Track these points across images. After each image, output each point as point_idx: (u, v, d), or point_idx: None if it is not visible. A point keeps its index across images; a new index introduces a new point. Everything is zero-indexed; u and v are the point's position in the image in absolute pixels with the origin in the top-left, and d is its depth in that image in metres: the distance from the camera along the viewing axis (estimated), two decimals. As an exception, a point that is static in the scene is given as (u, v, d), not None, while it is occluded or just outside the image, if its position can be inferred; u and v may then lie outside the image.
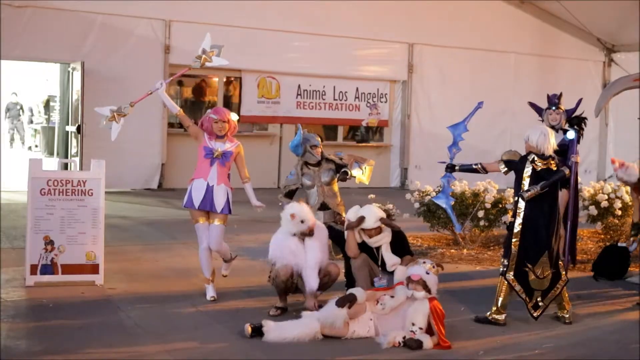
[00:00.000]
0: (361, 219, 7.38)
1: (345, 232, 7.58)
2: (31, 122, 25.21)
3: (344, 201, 8.88)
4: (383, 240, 7.43)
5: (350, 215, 7.54)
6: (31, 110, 25.20)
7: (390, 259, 7.35)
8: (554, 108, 9.33)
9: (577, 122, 9.14)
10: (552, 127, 9.22)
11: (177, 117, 7.98)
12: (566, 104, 9.58)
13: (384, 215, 7.54)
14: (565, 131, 8.89)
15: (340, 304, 6.56)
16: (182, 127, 7.95)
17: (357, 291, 6.75)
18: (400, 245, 7.52)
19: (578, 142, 9.03)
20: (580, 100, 9.53)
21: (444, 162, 7.90)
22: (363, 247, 7.52)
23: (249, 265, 9.19)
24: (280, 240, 7.34)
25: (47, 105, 23.88)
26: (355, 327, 6.63)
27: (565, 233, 8.98)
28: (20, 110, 25.63)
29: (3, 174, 14.77)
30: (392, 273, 7.33)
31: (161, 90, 7.76)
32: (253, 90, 16.81)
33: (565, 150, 8.71)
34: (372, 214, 7.41)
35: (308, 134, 8.49)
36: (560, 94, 9.41)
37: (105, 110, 7.71)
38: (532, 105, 9.74)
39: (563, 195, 8.77)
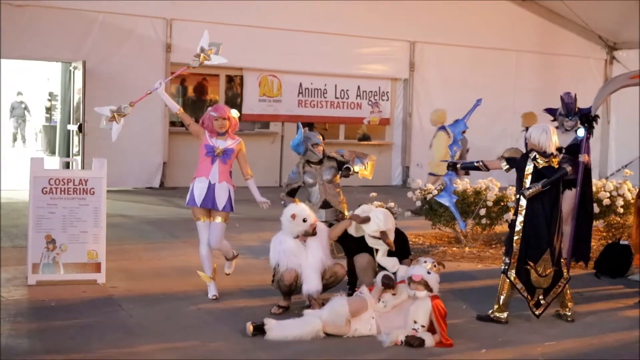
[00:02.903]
0: (365, 220, 7.35)
1: (348, 216, 7.57)
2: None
3: (346, 199, 8.87)
4: (382, 247, 7.40)
5: (362, 209, 7.52)
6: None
7: (388, 262, 7.30)
8: (571, 117, 9.19)
9: (586, 120, 9.10)
10: (566, 130, 9.18)
11: (178, 116, 7.97)
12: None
13: (390, 227, 7.43)
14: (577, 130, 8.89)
15: (391, 285, 6.66)
16: (184, 126, 7.94)
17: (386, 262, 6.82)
18: (400, 247, 7.49)
19: (587, 140, 9.01)
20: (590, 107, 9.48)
21: (446, 161, 7.89)
22: (364, 247, 7.49)
23: (251, 264, 9.18)
24: (281, 242, 7.31)
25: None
26: (357, 326, 6.62)
27: (570, 232, 9.01)
28: (26, 110, 25.69)
29: (5, 172, 14.80)
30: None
31: (160, 90, 7.75)
32: (254, 89, 16.82)
33: (577, 149, 8.71)
34: (376, 222, 7.32)
35: (309, 132, 8.49)
36: (575, 98, 9.24)
37: (105, 110, 7.70)
38: (547, 111, 9.62)
39: (570, 195, 8.79)
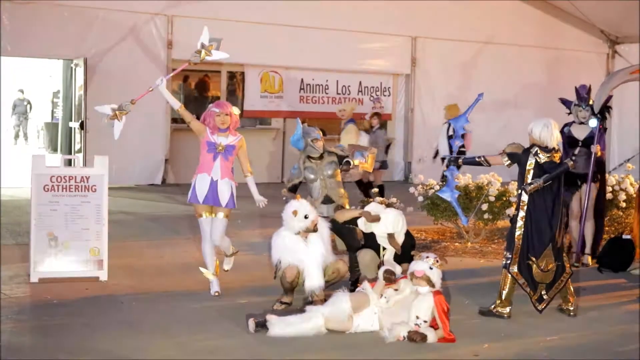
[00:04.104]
0: (376, 219, 7.30)
1: (359, 209, 7.56)
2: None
3: (347, 194, 8.86)
4: (390, 247, 7.37)
5: (372, 208, 7.50)
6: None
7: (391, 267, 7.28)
8: (584, 106, 9.24)
9: (600, 111, 9.11)
10: (581, 122, 9.23)
11: (179, 113, 7.95)
12: (570, 97, 9.57)
13: (398, 230, 7.36)
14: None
15: (392, 280, 6.65)
16: (186, 123, 7.93)
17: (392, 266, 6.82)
18: (404, 250, 7.46)
19: (600, 131, 9.05)
20: (610, 97, 9.50)
21: (447, 156, 7.87)
22: (370, 241, 7.47)
23: (253, 260, 9.18)
24: (283, 239, 7.30)
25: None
26: (360, 321, 6.62)
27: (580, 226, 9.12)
28: (27, 107, 25.71)
29: (8, 170, 14.82)
30: None
31: (162, 87, 7.73)
32: (256, 85, 16.81)
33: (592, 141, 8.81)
34: (385, 224, 7.27)
35: (308, 128, 8.46)
36: (589, 89, 9.30)
37: (106, 109, 7.67)
38: (562, 100, 9.67)
39: (591, 189, 8.92)
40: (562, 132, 9.30)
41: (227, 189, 7.64)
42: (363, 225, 7.49)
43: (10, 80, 23.04)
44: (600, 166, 9.33)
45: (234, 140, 7.69)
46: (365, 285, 6.88)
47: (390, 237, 7.22)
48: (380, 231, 7.26)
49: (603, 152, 9.19)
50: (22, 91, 25.42)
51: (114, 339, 6.35)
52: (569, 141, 9.30)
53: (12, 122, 25.73)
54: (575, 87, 9.39)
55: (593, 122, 8.82)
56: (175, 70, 8.59)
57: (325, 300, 6.93)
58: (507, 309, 7.21)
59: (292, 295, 7.36)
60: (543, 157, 7.15)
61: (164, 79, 7.80)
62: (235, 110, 7.76)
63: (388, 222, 7.24)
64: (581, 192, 9.25)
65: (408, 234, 7.59)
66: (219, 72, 16.85)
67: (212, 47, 7.80)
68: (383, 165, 13.71)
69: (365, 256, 7.50)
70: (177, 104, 7.94)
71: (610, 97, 9.51)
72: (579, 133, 9.23)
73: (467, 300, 7.76)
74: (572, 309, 7.36)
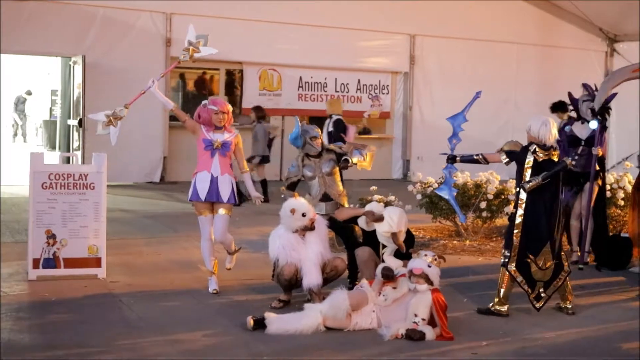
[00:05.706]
0: (379, 219, 7.29)
1: (360, 208, 7.55)
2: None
3: (346, 192, 8.86)
4: (392, 245, 7.38)
5: (371, 207, 7.50)
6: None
7: (392, 263, 7.26)
8: (584, 100, 9.26)
9: (600, 112, 9.12)
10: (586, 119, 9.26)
11: (173, 113, 7.93)
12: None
13: (402, 228, 7.37)
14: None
15: (390, 277, 6.67)
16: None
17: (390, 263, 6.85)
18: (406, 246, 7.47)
19: (602, 132, 9.06)
20: (615, 94, 9.53)
21: (446, 154, 7.86)
22: (370, 240, 7.48)
23: (251, 258, 9.18)
24: (280, 237, 7.30)
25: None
26: (358, 319, 6.63)
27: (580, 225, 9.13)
28: (24, 105, 25.71)
29: (7, 168, 14.81)
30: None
31: (153, 88, 7.71)
32: (254, 83, 16.81)
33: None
34: (389, 223, 7.25)
35: (307, 126, 8.46)
36: (595, 88, 9.34)
37: (100, 116, 7.66)
38: (570, 97, 9.68)
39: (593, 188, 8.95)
40: (562, 131, 9.32)
41: (227, 184, 7.64)
42: (364, 223, 7.49)
43: (9, 78, 23.02)
44: (602, 165, 9.33)
45: (230, 137, 7.68)
46: (364, 283, 6.89)
47: (394, 235, 7.22)
48: (383, 230, 7.25)
49: (603, 150, 9.20)
50: (29, 92, 25.43)
51: (112, 336, 6.34)
52: (570, 140, 9.30)
53: (15, 119, 25.76)
54: (583, 84, 9.40)
55: (593, 124, 8.83)
56: (165, 70, 8.59)
57: (323, 298, 6.94)
58: (505, 307, 7.21)
59: (290, 293, 7.36)
60: (541, 155, 7.16)
61: (156, 81, 7.77)
62: (230, 107, 7.77)
63: (393, 222, 7.22)
64: (584, 191, 9.26)
65: (407, 232, 7.59)
66: (218, 69, 16.84)
67: (200, 44, 7.80)
68: (264, 159, 13.62)
69: (363, 253, 7.49)
70: (171, 104, 7.94)
71: (614, 95, 9.53)
72: (583, 132, 9.23)
73: (465, 298, 7.77)
74: (570, 307, 7.36)
